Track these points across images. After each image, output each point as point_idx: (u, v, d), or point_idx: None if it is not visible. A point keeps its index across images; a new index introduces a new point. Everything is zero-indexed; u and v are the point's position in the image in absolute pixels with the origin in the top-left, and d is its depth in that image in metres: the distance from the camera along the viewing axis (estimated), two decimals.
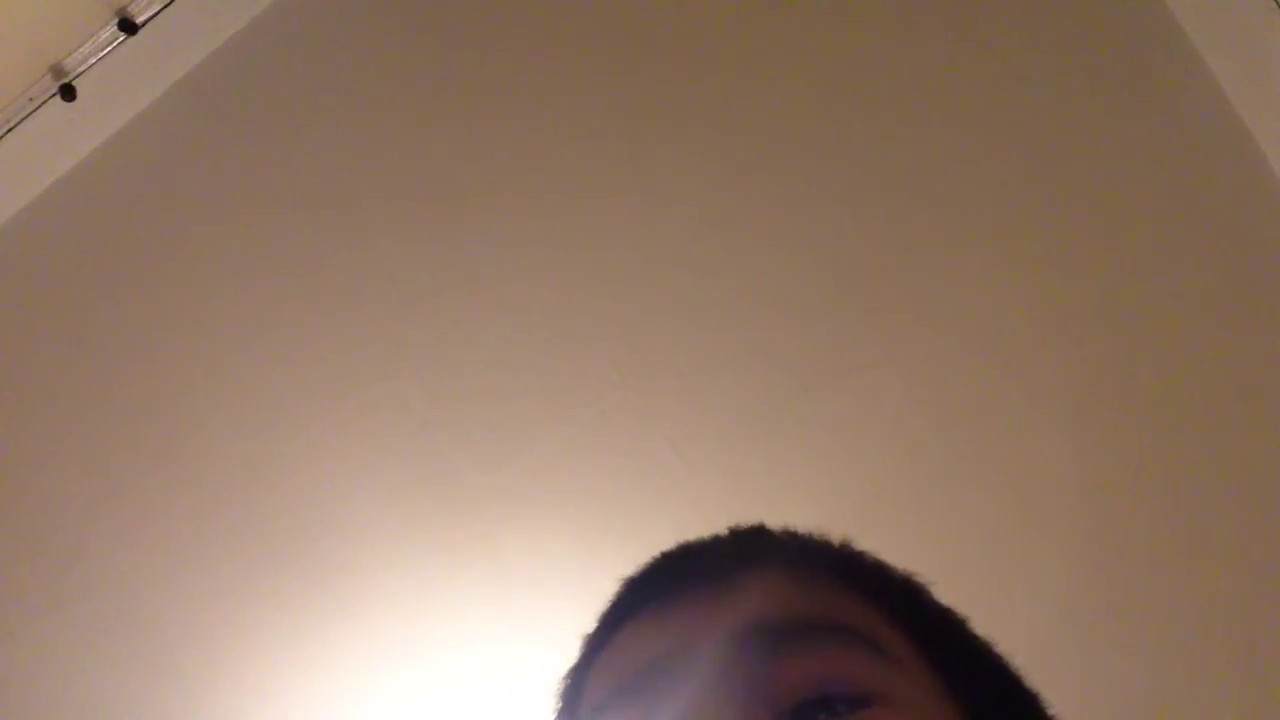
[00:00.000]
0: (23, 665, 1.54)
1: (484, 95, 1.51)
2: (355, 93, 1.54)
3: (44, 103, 1.52)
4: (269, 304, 1.52)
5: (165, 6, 1.51)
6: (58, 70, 1.53)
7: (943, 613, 0.51)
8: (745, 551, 0.50)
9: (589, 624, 0.51)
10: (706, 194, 1.44)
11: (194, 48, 1.56)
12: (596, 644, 0.50)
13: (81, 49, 1.53)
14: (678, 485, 1.37)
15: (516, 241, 1.48)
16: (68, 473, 1.55)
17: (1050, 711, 0.50)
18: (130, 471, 1.54)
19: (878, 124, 1.40)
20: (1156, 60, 1.33)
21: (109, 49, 1.52)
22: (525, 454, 1.45)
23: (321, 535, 1.48)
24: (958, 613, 0.51)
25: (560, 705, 0.51)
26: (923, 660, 0.46)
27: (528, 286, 1.47)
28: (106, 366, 1.56)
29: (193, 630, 1.50)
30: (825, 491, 1.36)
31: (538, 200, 1.48)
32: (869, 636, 0.45)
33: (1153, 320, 1.31)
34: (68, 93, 1.51)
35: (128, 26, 1.51)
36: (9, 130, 1.54)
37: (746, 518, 1.43)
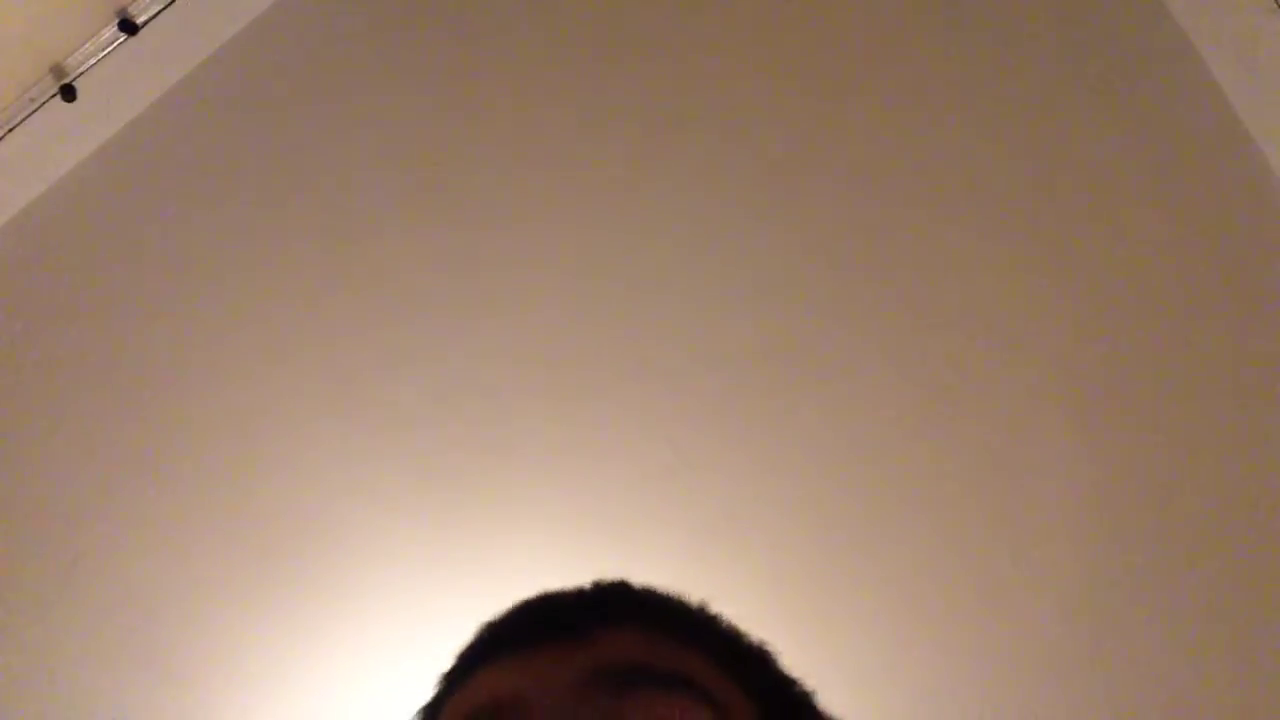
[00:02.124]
0: (22, 665, 1.54)
1: (484, 95, 1.51)
2: (355, 93, 1.54)
3: (44, 103, 1.52)
4: (268, 303, 1.52)
5: (166, 7, 1.52)
6: (58, 70, 1.53)
7: (788, 683, 0.53)
8: (605, 606, 0.52)
9: (446, 663, 0.53)
10: (707, 193, 1.44)
11: (194, 48, 1.56)
12: (451, 684, 0.52)
13: (82, 49, 1.53)
14: (677, 485, 1.37)
15: (516, 241, 1.48)
16: (66, 473, 1.55)
17: None
18: (128, 471, 1.54)
19: (878, 123, 1.40)
20: (1156, 60, 1.33)
21: (109, 49, 1.52)
22: (523, 453, 1.45)
23: (320, 535, 1.48)
24: (804, 684, 0.53)
25: None
26: None
27: (526, 286, 1.47)
28: (106, 366, 1.56)
29: (190, 630, 1.50)
30: (825, 492, 1.36)
31: (537, 199, 1.48)
32: (714, 696, 0.46)
33: (1152, 319, 1.31)
34: (68, 93, 1.52)
35: (128, 27, 1.51)
36: (9, 130, 1.54)
37: (746, 518, 1.43)
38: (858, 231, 1.39)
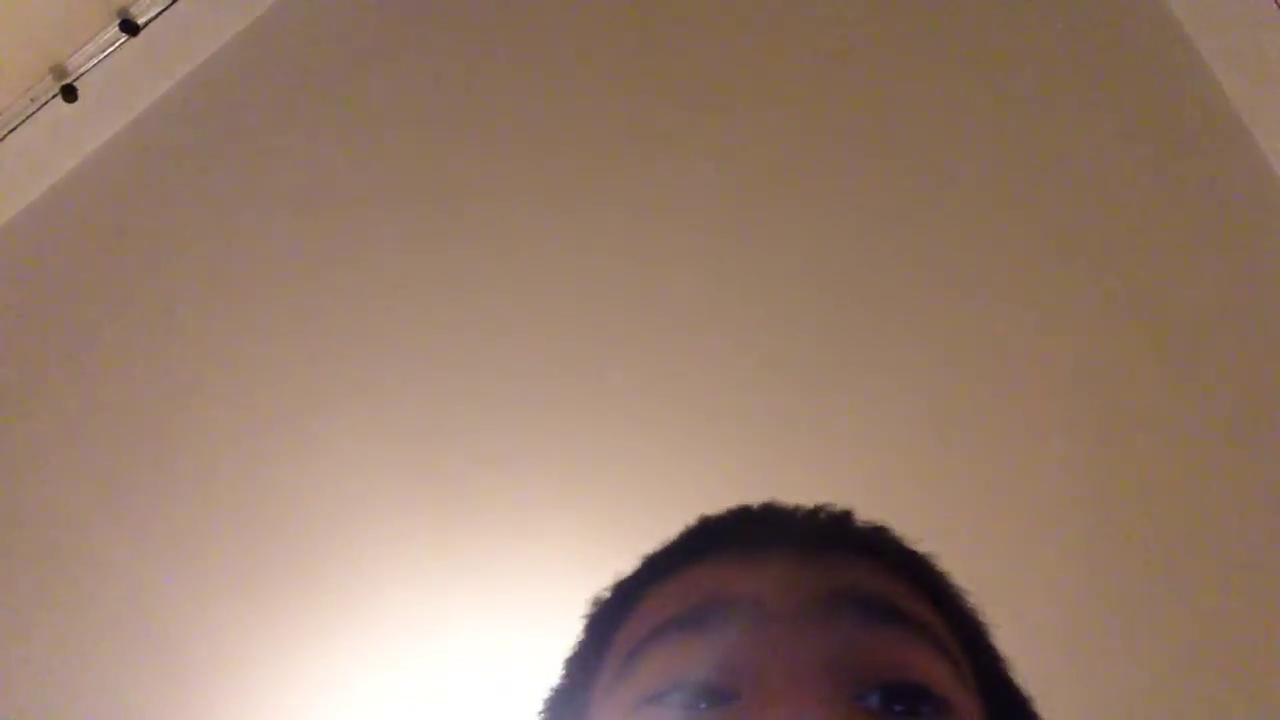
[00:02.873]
0: (25, 666, 1.54)
1: (484, 98, 1.51)
2: (356, 94, 1.54)
3: (45, 103, 1.53)
4: (269, 306, 1.52)
5: (167, 7, 1.52)
6: (59, 71, 1.53)
7: (1002, 659, 0.50)
8: (832, 530, 0.49)
9: (651, 547, 0.49)
10: (707, 197, 1.44)
11: (195, 49, 1.56)
12: (659, 571, 0.48)
13: (83, 50, 1.53)
14: (678, 489, 1.37)
15: (517, 245, 1.48)
16: (69, 474, 1.56)
17: None
18: (131, 474, 1.54)
19: (877, 125, 1.40)
20: (1157, 60, 1.33)
21: (111, 50, 1.53)
22: (526, 457, 1.45)
23: (322, 537, 1.49)
24: (1010, 662, 0.50)
25: (596, 618, 0.49)
26: (979, 694, 0.45)
27: (528, 290, 1.47)
28: (108, 367, 1.56)
29: (194, 633, 1.51)
30: (825, 494, 1.35)
31: (538, 204, 1.48)
32: (952, 649, 0.44)
33: (1152, 321, 1.31)
34: (69, 93, 1.52)
35: (129, 27, 1.51)
36: (10, 130, 1.54)
37: None
38: (858, 235, 1.39)
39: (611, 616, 0.48)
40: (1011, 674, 0.50)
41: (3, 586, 1.55)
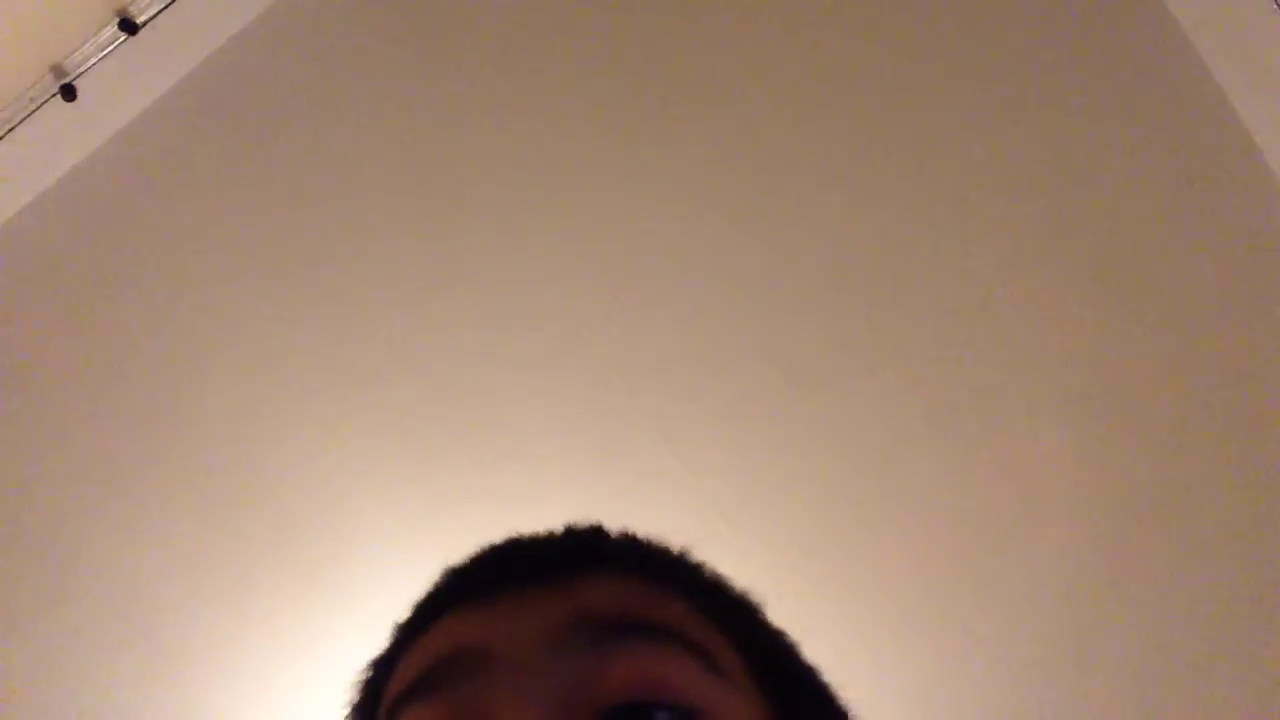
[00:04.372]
0: (21, 664, 1.54)
1: (483, 95, 1.51)
2: (355, 92, 1.54)
3: (45, 102, 1.53)
4: (268, 303, 1.53)
5: (166, 7, 1.52)
6: (58, 70, 1.53)
7: (776, 635, 0.49)
8: (580, 550, 0.48)
9: (403, 612, 0.48)
10: (706, 193, 1.44)
11: (194, 48, 1.56)
12: (410, 632, 0.47)
13: (82, 49, 1.53)
14: (676, 486, 1.37)
15: (515, 241, 1.48)
16: (67, 471, 1.56)
17: None
18: (129, 470, 1.54)
19: (877, 123, 1.40)
20: (1156, 60, 1.33)
21: (110, 49, 1.53)
22: (523, 454, 1.45)
23: (320, 535, 1.49)
24: (789, 636, 0.49)
25: (359, 697, 0.48)
26: (751, 680, 0.44)
27: (526, 286, 1.47)
28: (106, 365, 1.56)
29: (190, 629, 1.51)
30: (824, 492, 1.36)
31: (536, 199, 1.48)
32: (702, 647, 0.42)
33: (1152, 319, 1.31)
34: (68, 93, 1.52)
35: (128, 26, 1.51)
36: (10, 130, 1.54)
37: (746, 518, 1.43)
38: (859, 235, 1.39)
39: (371, 694, 0.48)
40: (795, 652, 0.49)
41: (1, 585, 1.55)
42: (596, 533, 0.50)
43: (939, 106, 1.39)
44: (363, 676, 0.49)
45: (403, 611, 0.48)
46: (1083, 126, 1.35)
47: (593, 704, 0.39)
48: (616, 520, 1.45)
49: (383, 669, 0.47)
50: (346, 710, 0.49)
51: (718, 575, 0.49)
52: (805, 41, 1.43)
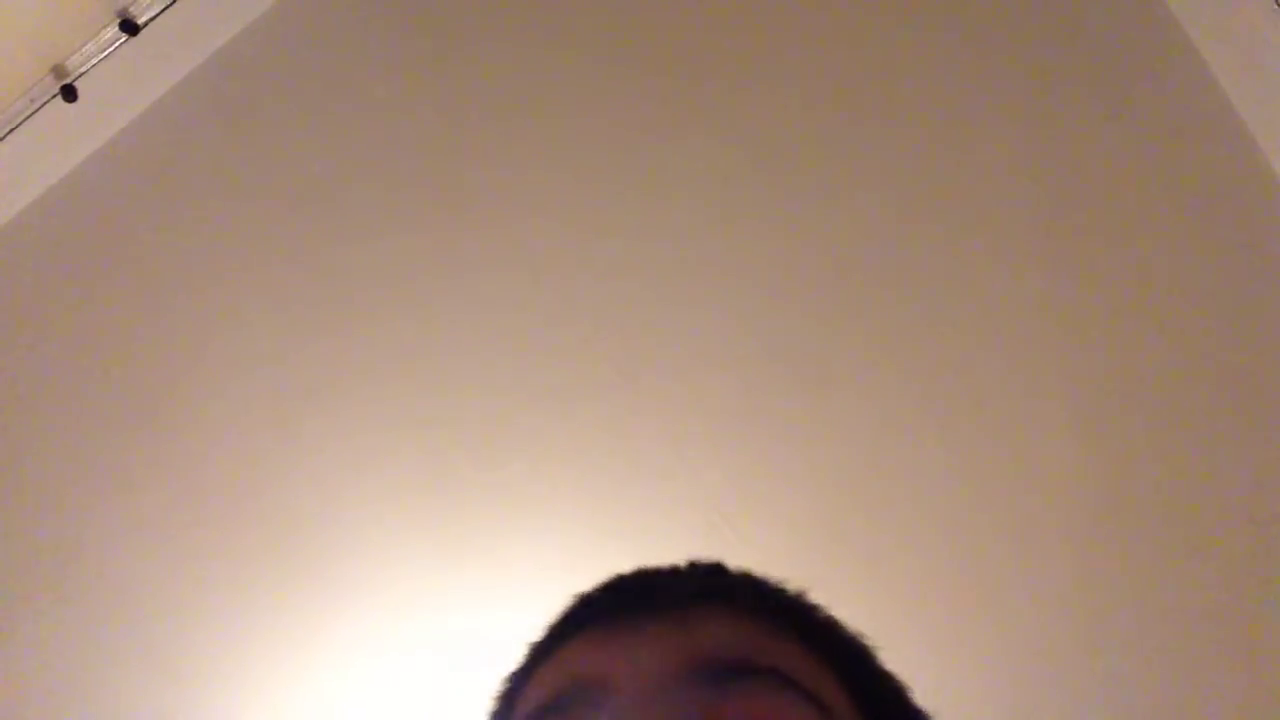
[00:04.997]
0: (21, 664, 1.54)
1: (484, 94, 1.51)
2: (355, 93, 1.54)
3: (45, 103, 1.53)
4: (268, 302, 1.53)
5: (167, 7, 1.52)
6: (59, 71, 1.53)
7: (888, 679, 0.50)
8: (701, 587, 0.49)
9: (536, 634, 0.51)
10: (708, 192, 1.44)
11: (195, 48, 1.56)
12: (539, 655, 0.49)
13: (83, 50, 1.53)
14: (678, 484, 1.37)
15: (516, 240, 1.48)
16: (66, 471, 1.56)
17: None
18: (128, 470, 1.54)
19: (878, 122, 1.40)
20: (1156, 60, 1.33)
21: (110, 49, 1.53)
22: (524, 453, 1.45)
23: (320, 533, 1.49)
24: (900, 680, 0.50)
25: (496, 709, 0.51)
26: None
27: (528, 285, 1.47)
28: (108, 366, 1.56)
29: (191, 628, 1.51)
30: (826, 491, 1.36)
31: (537, 198, 1.48)
32: (814, 692, 0.43)
33: (1152, 319, 1.31)
34: (69, 93, 1.52)
35: (129, 27, 1.51)
36: (11, 131, 1.54)
37: (748, 517, 1.43)
38: (862, 235, 1.39)
39: (504, 709, 0.50)
40: (905, 696, 0.50)
41: (1, 585, 1.55)
42: (717, 570, 0.52)
43: (940, 107, 1.39)
44: (500, 689, 0.51)
45: (537, 632, 0.51)
46: (1084, 127, 1.35)
47: None
48: (618, 519, 1.44)
49: (516, 684, 0.50)
50: (486, 717, 0.51)
51: (832, 617, 0.51)
52: (811, 42, 1.43)
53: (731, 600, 0.47)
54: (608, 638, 0.45)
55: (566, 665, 0.46)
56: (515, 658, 0.51)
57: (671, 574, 0.51)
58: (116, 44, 1.52)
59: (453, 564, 1.44)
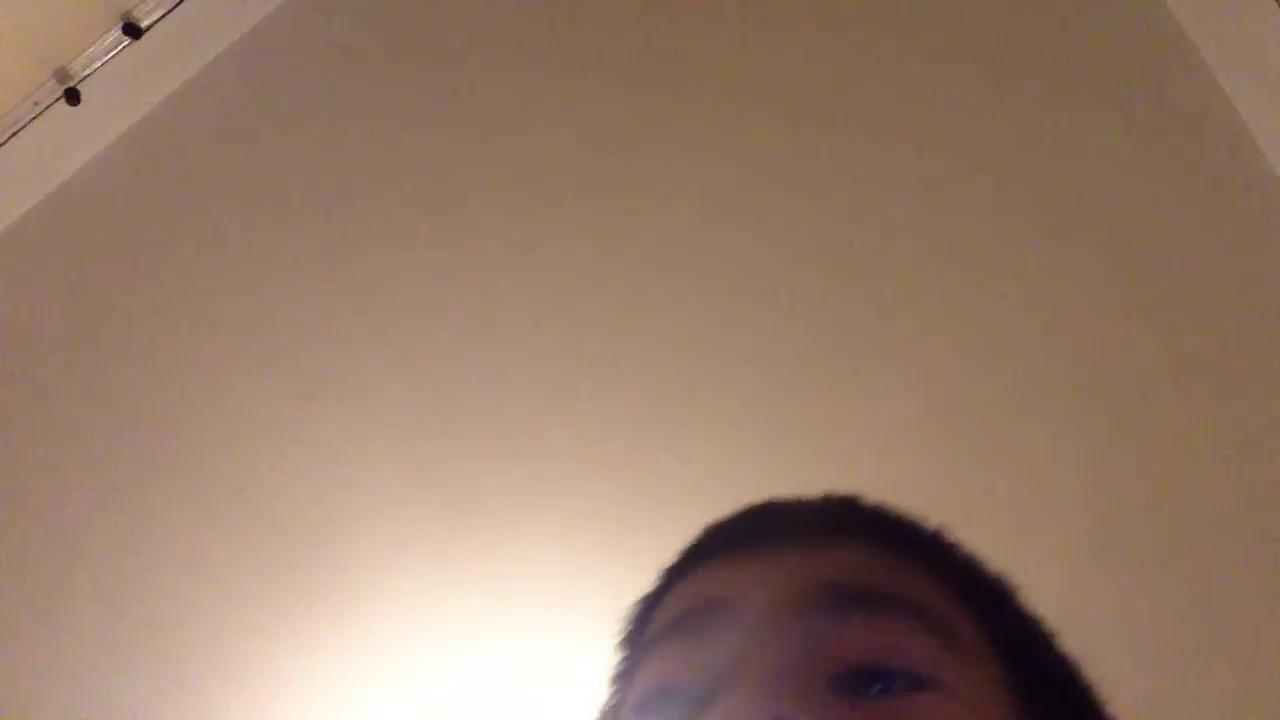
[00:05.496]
0: (25, 667, 1.54)
1: (485, 100, 1.51)
2: (358, 97, 1.54)
3: (49, 106, 1.53)
4: (271, 307, 1.53)
5: (170, 11, 1.52)
6: (62, 74, 1.54)
7: (1029, 620, 0.50)
8: (833, 517, 0.50)
9: (668, 559, 0.51)
10: (708, 197, 1.44)
11: (198, 52, 1.57)
12: (672, 578, 0.50)
13: (86, 53, 1.54)
14: (682, 489, 1.37)
15: (519, 244, 1.48)
16: (70, 475, 1.56)
17: None
18: (132, 474, 1.54)
19: (878, 125, 1.41)
20: (1157, 60, 1.33)
21: (114, 53, 1.53)
22: (527, 458, 1.45)
23: (324, 538, 1.49)
24: (1045, 623, 0.50)
25: (626, 631, 0.51)
26: (996, 661, 0.45)
27: (530, 289, 1.47)
28: (110, 369, 1.57)
29: (195, 633, 1.51)
30: (827, 490, 1.35)
31: (539, 203, 1.48)
32: (942, 622, 0.44)
33: (1153, 321, 1.31)
34: (72, 97, 1.52)
35: (132, 31, 1.52)
36: (14, 134, 1.55)
37: None
38: (863, 236, 1.40)
39: (636, 630, 0.51)
40: (1049, 640, 0.49)
41: (2, 586, 1.56)
42: (850, 502, 0.52)
43: (938, 106, 1.39)
44: (631, 612, 0.52)
45: (670, 557, 0.51)
46: (1083, 127, 1.35)
47: (828, 664, 0.41)
48: (621, 522, 1.44)
49: (648, 606, 0.50)
50: (617, 638, 0.52)
51: (971, 555, 0.50)
52: (807, 43, 1.43)
53: (864, 531, 0.48)
54: (739, 562, 0.46)
55: (698, 587, 0.47)
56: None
57: (804, 505, 0.51)
58: (119, 48, 1.53)
59: (456, 568, 1.44)
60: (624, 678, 0.49)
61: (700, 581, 0.47)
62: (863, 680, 0.40)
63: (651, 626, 0.48)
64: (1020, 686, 0.45)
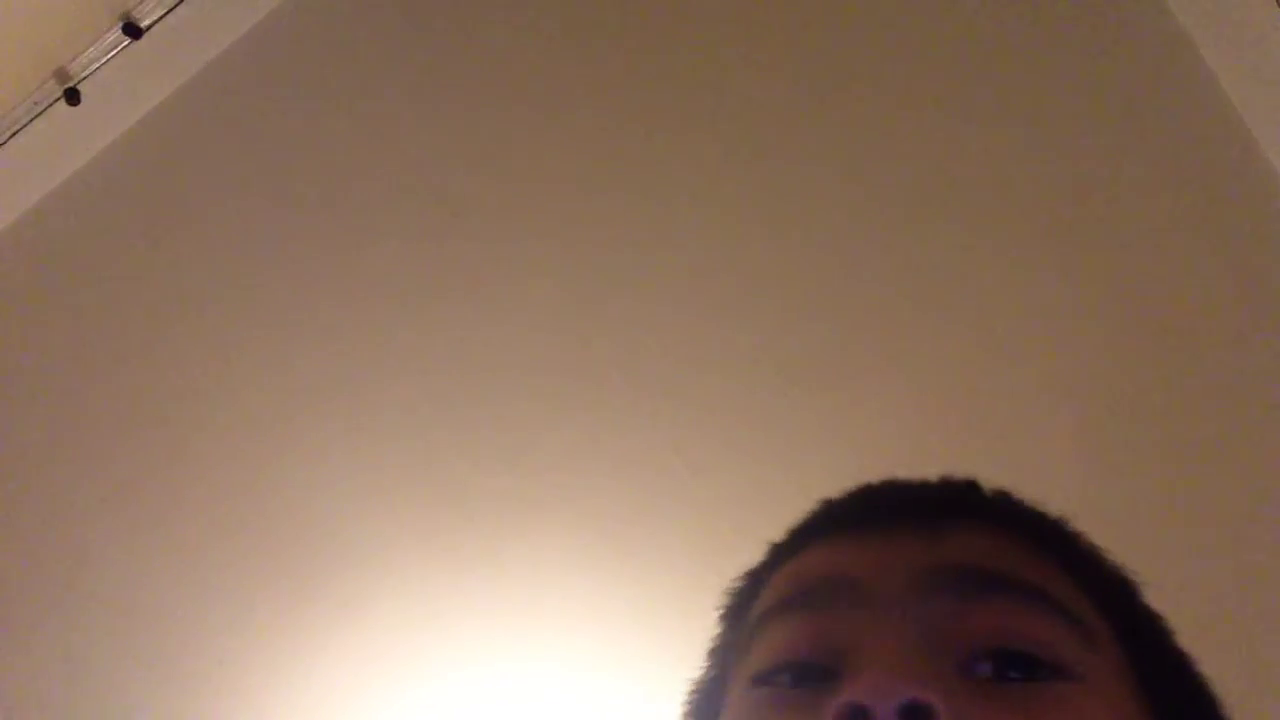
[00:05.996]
0: (26, 667, 1.54)
1: (486, 98, 1.51)
2: (357, 97, 1.54)
3: (48, 107, 1.53)
4: (272, 307, 1.53)
5: (170, 11, 1.52)
6: (62, 74, 1.54)
7: (1151, 616, 0.49)
8: (953, 500, 0.49)
9: (777, 535, 0.50)
10: (709, 195, 1.44)
11: (198, 52, 1.56)
12: (782, 554, 0.49)
13: (86, 53, 1.53)
14: (681, 489, 1.37)
15: (519, 244, 1.48)
16: (71, 475, 1.56)
17: None
18: (133, 475, 1.54)
19: (879, 126, 1.41)
20: (1156, 60, 1.33)
21: (113, 53, 1.53)
22: (528, 458, 1.45)
23: (324, 538, 1.49)
24: (1166, 622, 0.49)
25: (729, 607, 0.50)
26: (1122, 655, 0.44)
27: (531, 289, 1.47)
28: (110, 369, 1.57)
29: (195, 634, 1.51)
30: (829, 494, 1.35)
31: (540, 203, 1.48)
32: (1074, 612, 0.43)
33: (1154, 320, 1.31)
34: (72, 97, 1.52)
35: (132, 31, 1.51)
36: (14, 134, 1.54)
37: (750, 521, 1.42)
38: (865, 237, 1.40)
39: (741, 603, 0.50)
40: (1170, 638, 0.48)
41: (3, 586, 1.56)
42: (971, 486, 0.51)
43: (940, 109, 1.39)
44: (734, 586, 0.51)
45: (778, 534, 0.50)
46: (1084, 127, 1.35)
47: (955, 647, 0.40)
48: (621, 522, 1.44)
49: (754, 582, 0.49)
50: (719, 614, 0.51)
51: (1095, 547, 0.49)
52: (810, 44, 1.43)
53: (986, 515, 0.47)
54: (858, 542, 0.45)
55: (813, 564, 0.46)
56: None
57: (925, 486, 0.50)
58: (119, 48, 1.53)
59: (456, 569, 1.44)
60: (729, 649, 0.48)
61: (818, 558, 0.46)
62: (998, 665, 0.40)
63: (761, 601, 0.47)
64: (1147, 685, 0.44)
